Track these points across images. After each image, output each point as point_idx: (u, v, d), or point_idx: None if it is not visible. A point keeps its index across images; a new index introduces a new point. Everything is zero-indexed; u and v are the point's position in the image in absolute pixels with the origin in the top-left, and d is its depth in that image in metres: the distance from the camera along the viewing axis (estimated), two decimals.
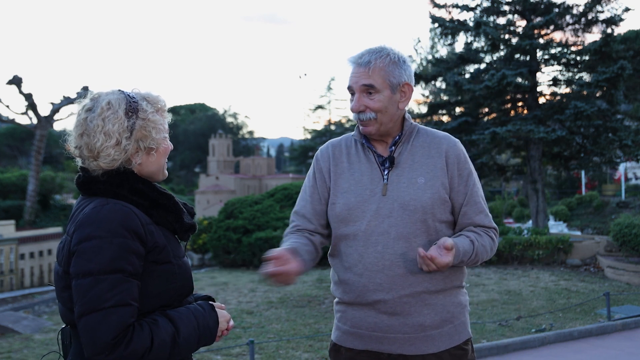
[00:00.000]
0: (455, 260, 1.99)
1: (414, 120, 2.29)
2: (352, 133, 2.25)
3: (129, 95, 1.71)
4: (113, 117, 1.64)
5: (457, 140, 2.20)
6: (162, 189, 1.78)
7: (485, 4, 18.05)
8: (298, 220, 2.25)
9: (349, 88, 2.14)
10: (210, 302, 1.80)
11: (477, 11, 18.22)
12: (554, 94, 17.99)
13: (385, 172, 2.13)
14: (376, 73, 2.08)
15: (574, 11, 17.41)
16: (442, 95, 30.43)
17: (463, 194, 2.12)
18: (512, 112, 18.31)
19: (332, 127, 67.22)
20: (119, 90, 1.72)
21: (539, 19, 17.45)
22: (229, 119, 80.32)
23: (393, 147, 2.15)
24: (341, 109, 68.06)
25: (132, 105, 1.68)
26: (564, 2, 17.31)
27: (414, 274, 2.05)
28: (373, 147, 2.17)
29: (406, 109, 2.19)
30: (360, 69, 2.10)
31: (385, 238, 2.05)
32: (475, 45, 18.65)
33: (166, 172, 1.82)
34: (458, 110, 19.51)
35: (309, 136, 68.96)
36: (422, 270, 2.03)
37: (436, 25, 18.61)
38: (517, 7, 17.63)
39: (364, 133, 2.16)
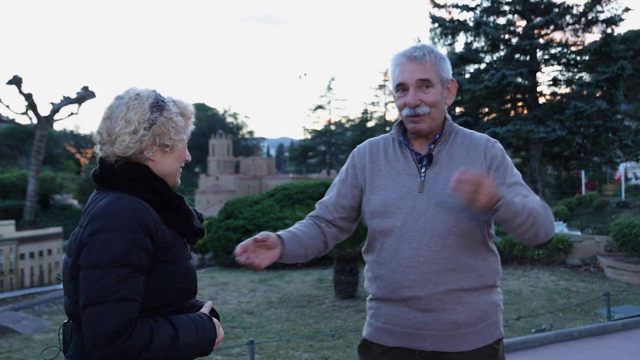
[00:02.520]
0: (505, 202, 1.87)
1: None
2: (391, 132, 2.26)
3: (160, 94, 1.76)
4: (137, 107, 1.70)
5: (495, 140, 2.20)
6: (175, 190, 1.81)
7: (485, 4, 18.07)
8: (319, 208, 2.30)
9: (401, 84, 2.13)
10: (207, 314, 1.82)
11: (477, 11, 18.24)
12: (554, 94, 18.00)
13: (423, 170, 2.13)
14: (431, 67, 2.10)
15: (574, 11, 17.43)
16: None
17: (501, 184, 2.06)
18: (512, 112, 18.33)
19: (332, 127, 67.24)
20: (154, 89, 1.78)
21: (539, 19, 17.47)
22: (229, 119, 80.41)
23: (432, 145, 2.15)
24: (341, 109, 68.03)
25: (159, 103, 1.73)
26: (564, 2, 17.33)
27: (448, 271, 2.05)
28: (410, 145, 2.19)
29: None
30: (415, 63, 2.11)
31: (420, 235, 2.05)
32: (475, 45, 18.67)
33: (178, 180, 1.85)
34: (458, 110, 19.52)
35: (309, 136, 69.03)
36: (458, 268, 2.04)
37: (436, 25, 18.63)
38: (517, 7, 17.64)
39: (415, 130, 2.15)
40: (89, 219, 1.62)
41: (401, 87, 2.14)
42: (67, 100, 30.66)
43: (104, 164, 1.73)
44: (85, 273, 1.56)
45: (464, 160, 2.13)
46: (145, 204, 1.65)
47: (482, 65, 18.47)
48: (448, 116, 2.20)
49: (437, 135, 2.17)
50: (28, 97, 29.74)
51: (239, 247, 1.99)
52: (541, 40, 17.36)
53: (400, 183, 2.14)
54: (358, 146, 2.32)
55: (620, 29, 26.50)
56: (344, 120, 67.97)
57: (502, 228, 2.02)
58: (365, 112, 64.82)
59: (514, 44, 17.26)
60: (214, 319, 1.80)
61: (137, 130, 1.68)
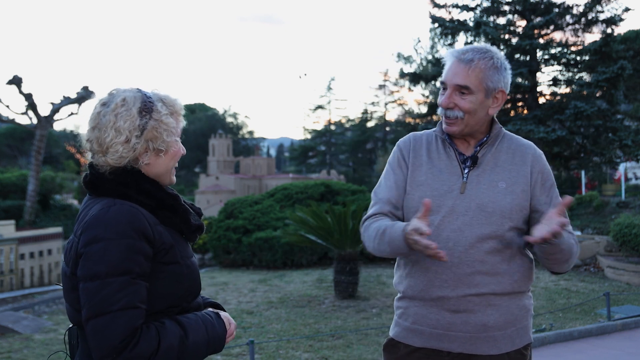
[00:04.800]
0: (561, 239, 1.91)
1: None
2: (434, 129, 2.23)
3: (146, 94, 1.70)
4: (125, 114, 1.64)
5: (541, 152, 2.19)
6: (169, 189, 1.77)
7: (485, 4, 18.07)
8: (385, 206, 2.15)
9: (443, 83, 2.10)
10: (216, 310, 1.80)
11: (477, 11, 18.25)
12: (554, 94, 18.00)
13: (466, 171, 2.10)
14: (475, 74, 2.04)
15: (574, 11, 17.43)
16: None
17: (546, 204, 2.08)
18: (512, 112, 18.33)
19: (332, 127, 67.23)
20: (138, 89, 1.72)
21: (539, 19, 17.47)
22: (229, 119, 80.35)
23: (478, 148, 2.12)
24: (341, 109, 68.07)
25: (147, 105, 1.67)
26: (564, 2, 17.33)
27: (481, 274, 2.02)
28: (455, 144, 2.15)
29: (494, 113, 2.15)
30: (460, 65, 2.06)
31: (457, 235, 2.02)
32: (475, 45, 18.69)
33: (174, 178, 1.81)
34: None
35: (309, 136, 69.00)
36: (491, 272, 2.01)
37: (436, 25, 18.63)
38: (517, 7, 17.65)
39: (447, 131, 2.13)
40: (83, 228, 1.59)
41: (443, 86, 2.12)
42: (67, 100, 30.65)
43: (94, 170, 1.69)
44: (84, 285, 1.53)
45: (509, 166, 2.10)
46: (138, 208, 1.62)
47: None
48: (496, 120, 2.17)
49: (485, 138, 2.13)
50: (28, 97, 29.73)
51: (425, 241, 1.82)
52: (541, 40, 17.37)
53: (441, 181, 2.10)
54: (402, 139, 2.27)
55: (620, 29, 26.50)
56: (344, 120, 67.92)
57: (536, 252, 2.02)
58: (365, 112, 64.79)
59: (514, 44, 17.27)
60: (223, 313, 1.78)
61: (129, 139, 1.63)
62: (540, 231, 1.89)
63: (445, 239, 2.02)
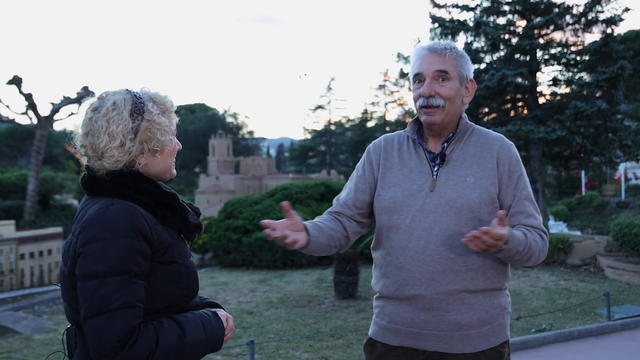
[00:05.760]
0: (511, 244, 1.93)
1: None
2: (405, 129, 2.25)
3: (135, 95, 1.69)
4: (118, 118, 1.63)
5: (511, 142, 2.18)
6: (167, 188, 1.77)
7: (485, 4, 18.06)
8: (338, 205, 2.27)
9: (418, 75, 2.13)
10: (214, 309, 1.80)
11: (477, 11, 18.23)
12: (554, 94, 17.99)
13: (435, 169, 2.12)
14: (450, 61, 2.11)
15: (574, 11, 17.41)
16: None
17: (512, 196, 2.09)
18: (512, 112, 18.32)
19: (332, 127, 67.22)
20: (127, 90, 1.71)
21: (539, 19, 17.46)
22: (229, 119, 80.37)
23: (445, 144, 2.14)
24: (341, 109, 67.97)
25: (138, 106, 1.66)
26: (564, 2, 17.32)
27: (454, 271, 2.03)
28: (424, 143, 2.18)
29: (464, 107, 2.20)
30: (434, 55, 2.11)
31: (428, 233, 2.04)
32: (475, 45, 18.65)
33: (174, 171, 1.81)
34: None
35: (309, 136, 68.97)
36: (464, 269, 2.03)
37: (436, 25, 18.61)
38: (517, 7, 17.63)
39: (428, 122, 2.13)
40: (81, 227, 1.59)
41: (418, 78, 2.14)
42: (67, 100, 30.67)
43: (92, 172, 1.69)
44: (82, 284, 1.53)
45: (477, 160, 2.11)
46: (136, 207, 1.62)
47: (482, 65, 18.45)
48: (464, 115, 2.19)
49: (451, 134, 2.15)
50: (28, 97, 29.74)
51: (264, 222, 1.92)
52: (541, 40, 17.35)
53: (412, 181, 2.13)
54: (373, 142, 2.32)
55: (620, 29, 26.53)
56: (344, 120, 67.90)
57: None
58: (365, 112, 64.78)
59: (514, 44, 17.25)
60: (221, 312, 1.78)
61: (123, 142, 1.63)
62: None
63: (417, 237, 2.05)
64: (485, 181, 2.08)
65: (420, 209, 2.07)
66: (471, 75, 2.17)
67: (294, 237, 1.96)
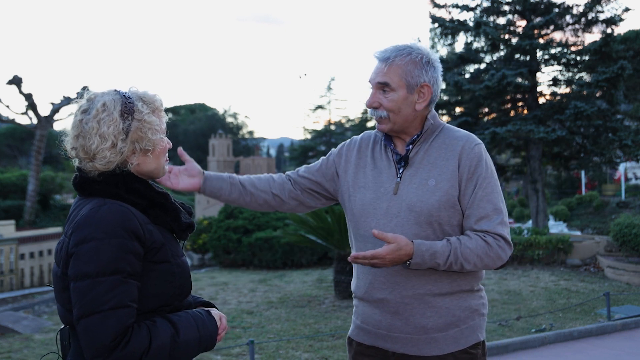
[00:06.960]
0: (418, 259, 1.92)
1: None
2: (376, 129, 2.25)
3: (124, 95, 1.69)
4: (108, 119, 1.64)
5: (478, 141, 2.11)
6: (158, 188, 1.78)
7: (485, 4, 18.05)
8: (295, 170, 2.39)
9: (369, 82, 2.14)
10: (207, 308, 1.80)
11: (477, 11, 18.22)
12: (554, 94, 17.99)
13: (400, 171, 2.10)
14: (393, 71, 2.06)
15: (574, 11, 17.41)
16: (442, 95, 30.45)
17: (468, 197, 2.03)
18: (512, 112, 18.31)
19: (332, 127, 67.24)
20: (115, 90, 1.71)
21: (539, 19, 17.45)
22: (229, 119, 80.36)
23: (410, 146, 2.11)
24: (341, 109, 67.94)
25: (128, 107, 1.67)
26: (564, 2, 17.32)
27: (417, 275, 2.03)
28: (392, 144, 2.16)
29: (432, 109, 2.14)
30: (381, 64, 2.09)
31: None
32: (475, 45, 18.66)
33: (166, 168, 1.83)
34: (458, 110, 19.52)
35: (309, 136, 68.92)
36: (427, 272, 2.02)
37: (436, 25, 18.62)
38: (517, 7, 17.63)
39: (379, 130, 2.16)
40: (73, 228, 1.59)
41: (370, 86, 2.14)
42: (67, 100, 30.63)
43: (83, 174, 1.69)
44: (75, 284, 1.54)
45: (440, 162, 2.07)
46: (128, 207, 1.62)
47: (482, 65, 18.45)
48: (432, 115, 2.13)
49: (415, 136, 2.12)
50: (28, 97, 29.72)
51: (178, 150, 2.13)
52: (541, 40, 17.34)
53: (379, 183, 2.12)
54: (352, 138, 2.31)
55: (620, 29, 26.54)
56: (344, 120, 67.81)
57: None
58: (365, 112, 64.63)
59: (514, 44, 17.25)
60: (214, 311, 1.78)
61: (115, 143, 1.64)
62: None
63: (382, 242, 2.02)
64: (445, 184, 2.04)
65: (384, 212, 2.07)
66: (427, 81, 2.07)
67: (175, 182, 2.14)
